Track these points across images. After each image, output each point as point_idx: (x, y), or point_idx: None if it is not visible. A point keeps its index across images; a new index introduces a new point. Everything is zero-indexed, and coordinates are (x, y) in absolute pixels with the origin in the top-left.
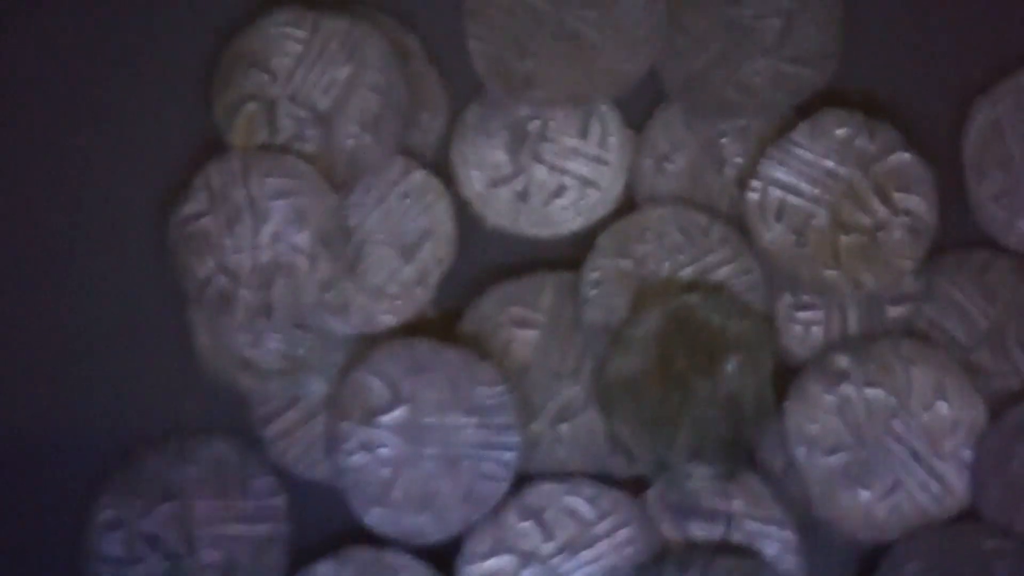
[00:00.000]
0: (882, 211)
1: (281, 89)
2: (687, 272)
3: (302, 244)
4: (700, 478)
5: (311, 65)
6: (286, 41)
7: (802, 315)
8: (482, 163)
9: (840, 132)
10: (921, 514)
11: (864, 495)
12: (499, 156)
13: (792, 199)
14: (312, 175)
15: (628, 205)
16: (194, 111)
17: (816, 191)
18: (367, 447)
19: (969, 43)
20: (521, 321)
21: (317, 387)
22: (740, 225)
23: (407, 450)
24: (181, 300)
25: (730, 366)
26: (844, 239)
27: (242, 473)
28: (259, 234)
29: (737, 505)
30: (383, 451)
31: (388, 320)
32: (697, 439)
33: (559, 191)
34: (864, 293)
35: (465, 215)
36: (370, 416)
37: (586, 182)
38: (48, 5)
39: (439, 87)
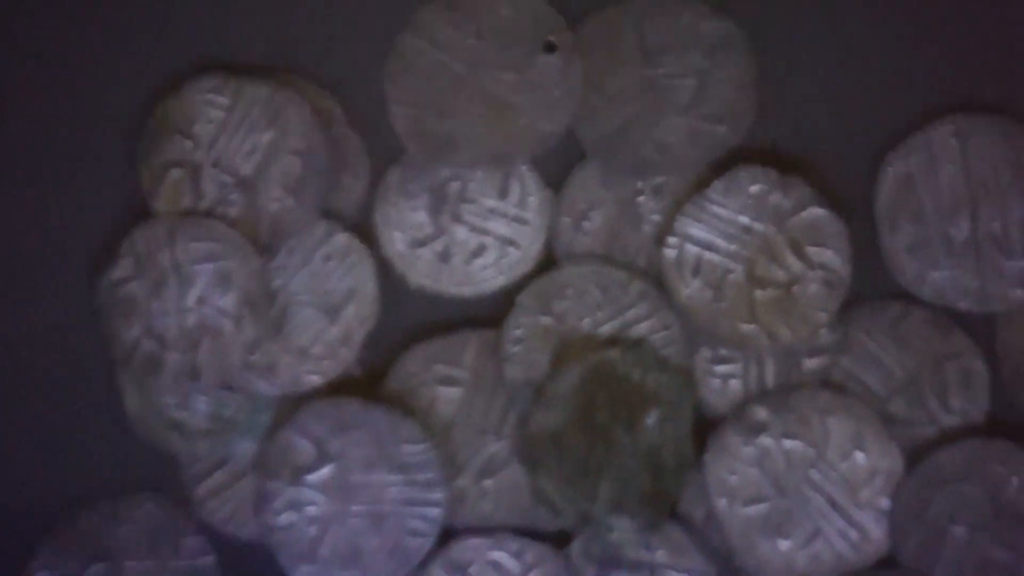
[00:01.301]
0: (797, 265)
1: (205, 155)
2: (607, 328)
3: (228, 307)
4: (623, 530)
5: (234, 131)
6: (209, 108)
7: (720, 368)
8: (404, 224)
9: (754, 188)
10: (840, 562)
11: (784, 544)
12: (420, 217)
13: (708, 255)
14: (236, 239)
15: (548, 263)
16: (119, 177)
17: (732, 247)
18: (295, 506)
19: (879, 100)
20: (445, 379)
21: (245, 447)
22: (658, 281)
23: (334, 508)
24: (110, 363)
25: (650, 419)
26: (760, 293)
27: (172, 533)
28: (185, 298)
29: (660, 556)
30: (311, 509)
31: (314, 380)
32: (619, 492)
33: (480, 250)
34: (781, 346)
35: (388, 276)
36: (297, 475)
37: (506, 241)
38: None
39: (361, 150)
